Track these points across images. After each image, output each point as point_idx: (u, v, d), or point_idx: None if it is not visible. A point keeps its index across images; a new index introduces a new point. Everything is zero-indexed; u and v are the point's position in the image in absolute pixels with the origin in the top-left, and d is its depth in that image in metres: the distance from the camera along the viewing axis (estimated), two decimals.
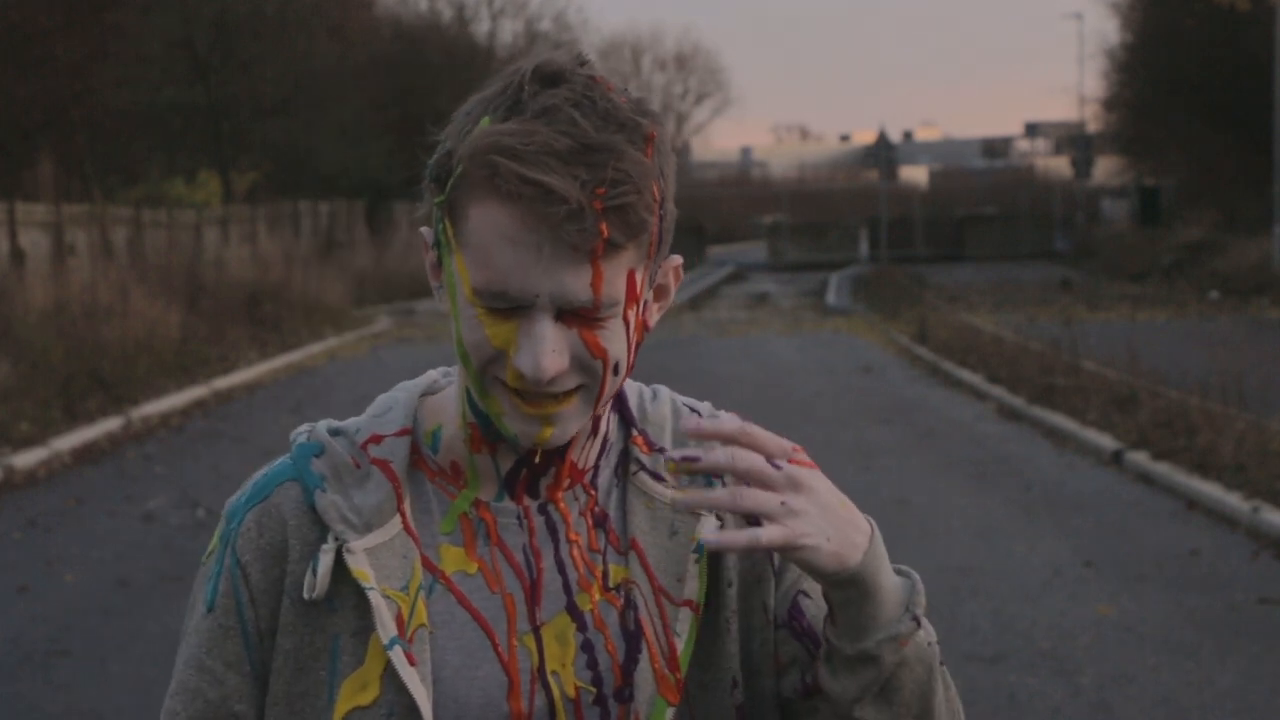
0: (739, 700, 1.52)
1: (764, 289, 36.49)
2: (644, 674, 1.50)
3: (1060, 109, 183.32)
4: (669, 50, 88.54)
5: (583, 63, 1.43)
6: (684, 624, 1.50)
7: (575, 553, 1.51)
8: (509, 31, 54.73)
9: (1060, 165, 62.13)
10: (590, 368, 1.42)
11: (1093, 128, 51.45)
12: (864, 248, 46.95)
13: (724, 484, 1.53)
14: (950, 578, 8.39)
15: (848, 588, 1.41)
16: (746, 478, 1.39)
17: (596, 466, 1.54)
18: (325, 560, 1.46)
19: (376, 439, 1.51)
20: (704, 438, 1.42)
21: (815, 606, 1.53)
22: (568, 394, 1.43)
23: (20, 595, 8.39)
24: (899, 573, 1.47)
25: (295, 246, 31.59)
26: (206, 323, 20.80)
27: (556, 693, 1.49)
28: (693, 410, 1.59)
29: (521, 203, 1.36)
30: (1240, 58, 35.03)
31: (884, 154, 46.90)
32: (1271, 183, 31.20)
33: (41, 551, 9.40)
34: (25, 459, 12.35)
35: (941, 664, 1.49)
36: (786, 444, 1.41)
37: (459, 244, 1.42)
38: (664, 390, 1.61)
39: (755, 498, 1.38)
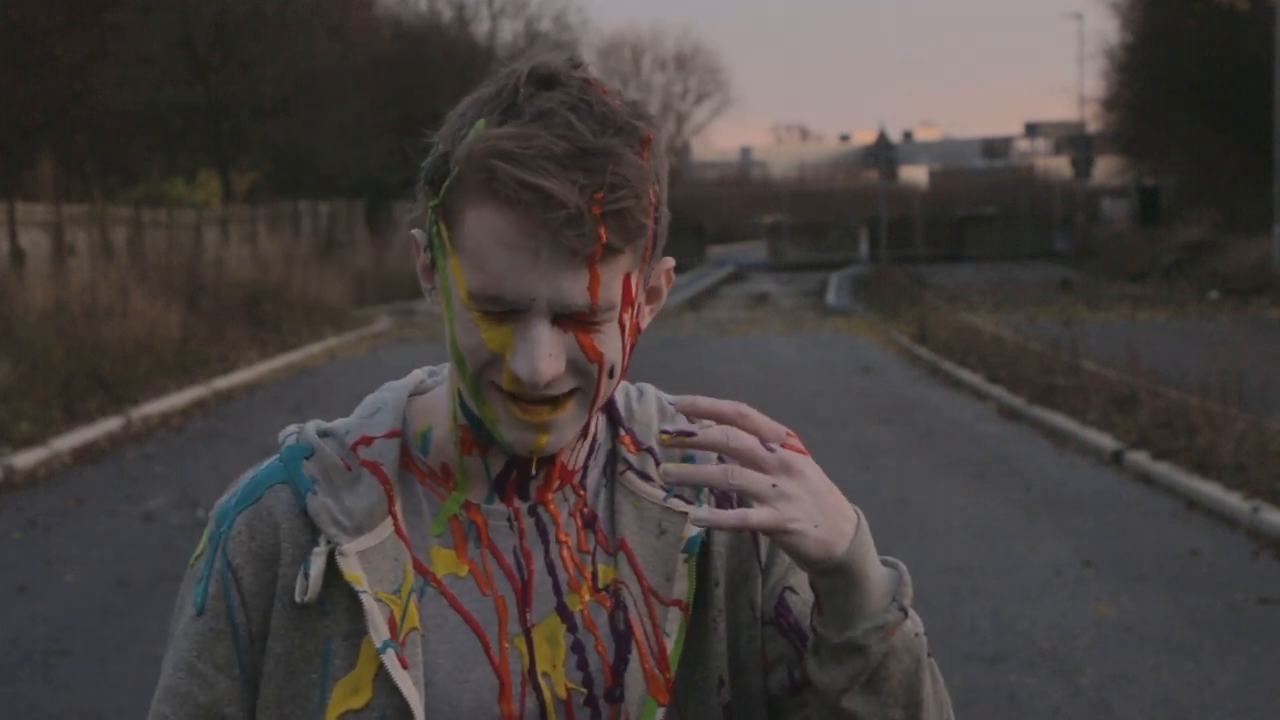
0: (726, 699, 1.53)
1: (764, 289, 36.49)
2: (634, 674, 1.50)
3: (1060, 109, 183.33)
4: (669, 50, 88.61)
5: (576, 65, 1.42)
6: (673, 624, 1.51)
7: (565, 554, 1.51)
8: (509, 31, 54.71)
9: (1060, 165, 62.13)
10: (586, 371, 1.42)
11: (1093, 128, 51.45)
12: (864, 248, 46.96)
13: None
14: (950, 578, 8.39)
15: (834, 576, 1.40)
16: (740, 457, 1.39)
17: (585, 467, 1.54)
18: (317, 563, 1.45)
19: (366, 441, 1.51)
20: (701, 416, 1.42)
21: (802, 603, 1.54)
22: (563, 401, 1.43)
23: (20, 595, 8.39)
24: (886, 564, 1.47)
25: (295, 246, 31.59)
26: (206, 323, 20.80)
27: (548, 694, 1.49)
28: (678, 409, 1.59)
29: (520, 207, 1.36)
30: (1240, 58, 35.03)
31: (884, 154, 46.92)
32: (1271, 183, 31.20)
33: (41, 551, 9.41)
34: (25, 459, 12.35)
35: (929, 655, 1.49)
36: (780, 428, 1.42)
37: (454, 247, 1.41)
38: (650, 389, 1.61)
39: (747, 477, 1.38)
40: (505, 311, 1.39)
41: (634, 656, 1.50)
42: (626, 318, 1.43)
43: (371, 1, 42.58)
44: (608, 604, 1.51)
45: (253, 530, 1.49)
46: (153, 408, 15.31)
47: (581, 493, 1.53)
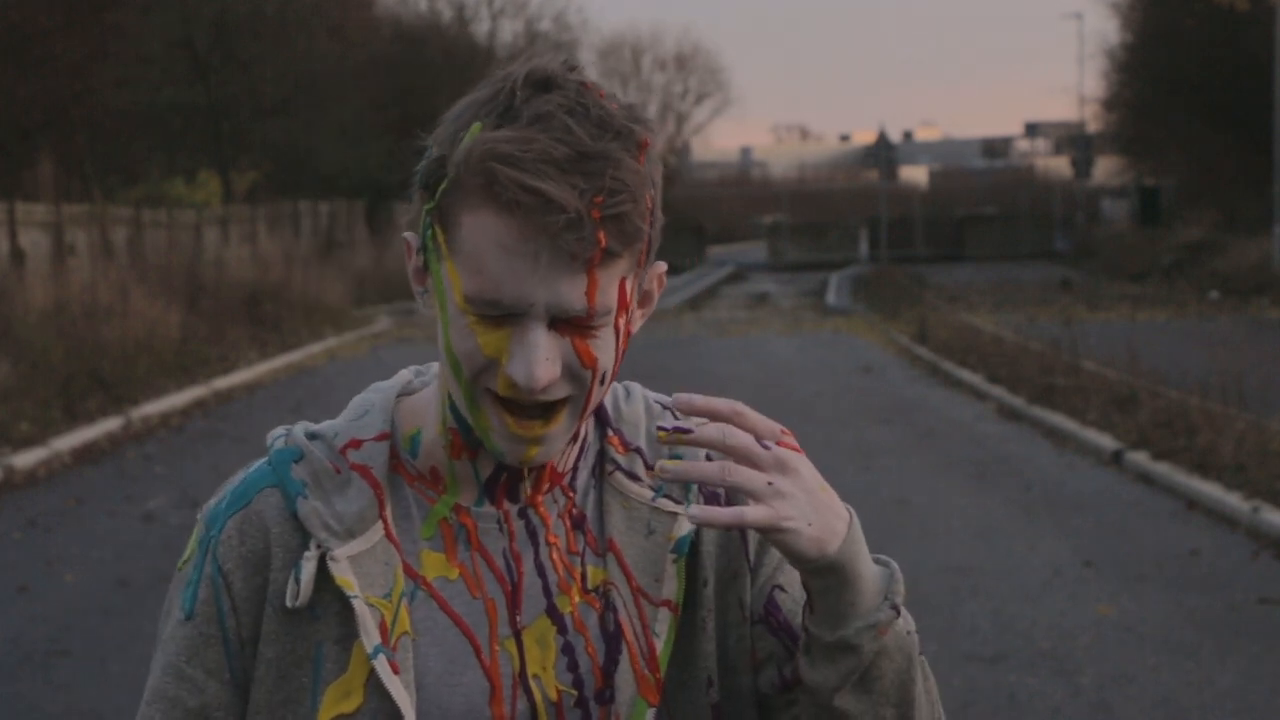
0: (715, 698, 1.53)
1: (764, 289, 36.50)
2: (624, 675, 1.50)
3: (1060, 109, 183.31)
4: (669, 50, 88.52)
5: (572, 68, 1.42)
6: (663, 624, 1.51)
7: (555, 555, 1.51)
8: (509, 31, 54.74)
9: (1060, 165, 62.14)
10: (580, 377, 1.42)
11: (1093, 128, 51.46)
12: (864, 248, 46.97)
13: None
14: (950, 578, 8.40)
15: (826, 575, 1.40)
16: (735, 455, 1.39)
17: (575, 468, 1.54)
18: (308, 568, 1.45)
19: (355, 444, 1.50)
20: (697, 413, 1.42)
21: (791, 601, 1.54)
22: (555, 413, 1.43)
23: (20, 595, 8.39)
24: (878, 562, 1.47)
25: (295, 246, 31.59)
26: (206, 323, 20.80)
27: (538, 696, 1.49)
28: (665, 407, 1.59)
29: (519, 211, 1.35)
30: (1240, 58, 35.03)
31: (884, 154, 46.92)
32: (1271, 183, 31.20)
33: (41, 551, 9.41)
34: (25, 459, 12.35)
35: (920, 654, 1.49)
36: (775, 426, 1.42)
37: (450, 250, 1.41)
38: (637, 388, 1.61)
39: (743, 475, 1.38)
40: (502, 316, 1.39)
41: (624, 657, 1.50)
42: (621, 322, 1.43)
43: (371, 1, 42.57)
44: (597, 605, 1.51)
45: (243, 535, 1.49)
46: (153, 408, 15.31)
47: (571, 494, 1.53)
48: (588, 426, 1.54)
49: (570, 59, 1.43)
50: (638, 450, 1.55)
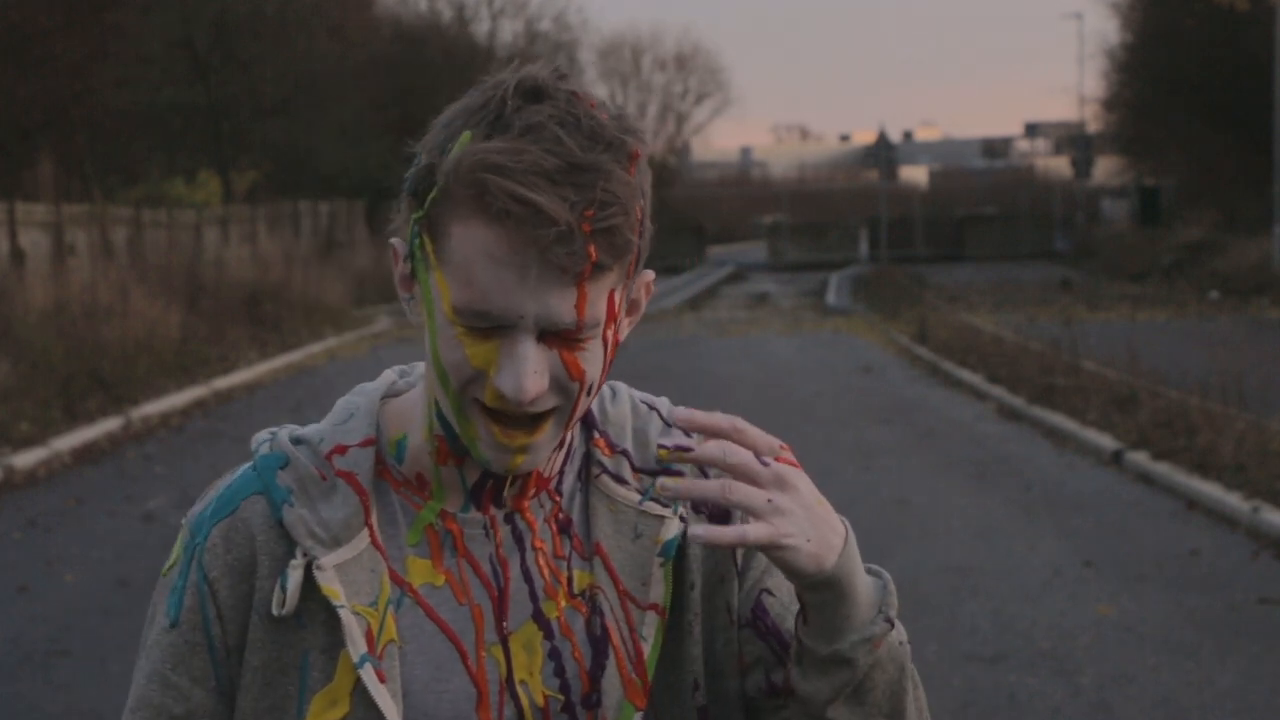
0: (701, 702, 1.53)
1: (764, 289, 36.50)
2: (611, 679, 1.50)
3: (1060, 109, 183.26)
4: (669, 50, 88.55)
5: (562, 76, 1.41)
6: (650, 628, 1.51)
7: (541, 560, 1.51)
8: (509, 31, 54.73)
9: (1060, 165, 62.14)
10: (567, 389, 1.41)
11: (1093, 128, 51.46)
12: (864, 248, 46.98)
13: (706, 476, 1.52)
14: (950, 578, 8.39)
15: (823, 590, 1.41)
16: (735, 472, 1.39)
17: (561, 472, 1.53)
18: (294, 577, 1.45)
19: (341, 450, 1.49)
20: (697, 430, 1.42)
21: (779, 605, 1.54)
22: (541, 423, 1.42)
23: (20, 595, 8.39)
24: (870, 572, 1.47)
25: (295, 246, 31.60)
26: (206, 323, 20.80)
27: (525, 702, 1.49)
28: (651, 408, 1.59)
29: (510, 223, 1.34)
30: (1240, 58, 35.03)
31: (884, 154, 46.92)
32: (1271, 183, 31.20)
33: (41, 551, 9.41)
34: (25, 459, 12.35)
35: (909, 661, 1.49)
36: (775, 441, 1.42)
37: (439, 260, 1.40)
38: (622, 388, 1.60)
39: (743, 492, 1.38)
40: (491, 328, 1.38)
41: (611, 662, 1.50)
42: (609, 334, 1.42)
43: (371, 1, 42.58)
44: (584, 610, 1.51)
45: (229, 543, 1.48)
46: (153, 408, 15.31)
47: (557, 498, 1.53)
48: (574, 430, 1.54)
49: (560, 67, 1.42)
50: (624, 452, 1.55)
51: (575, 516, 1.53)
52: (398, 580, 1.48)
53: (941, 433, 13.65)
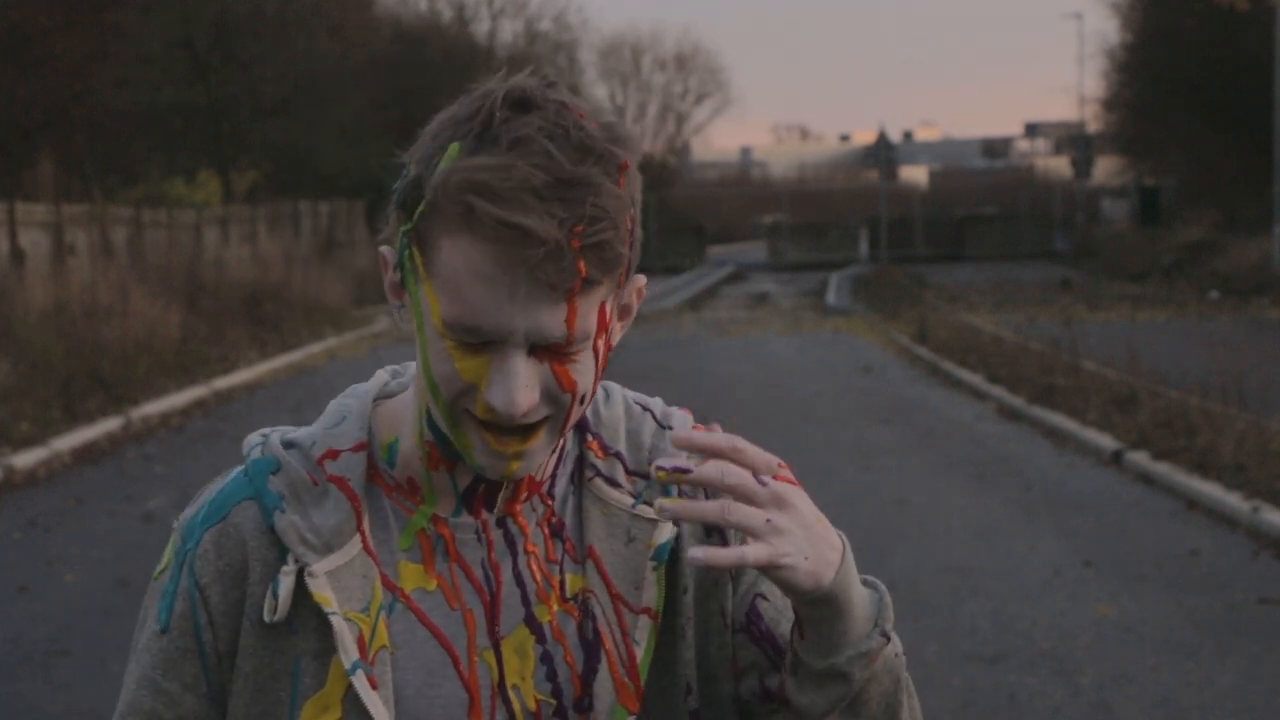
0: (693, 706, 1.52)
1: (764, 289, 36.50)
2: (603, 683, 1.50)
3: (1060, 109, 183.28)
4: (669, 50, 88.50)
5: (550, 85, 1.40)
6: (643, 631, 1.51)
7: (533, 564, 1.51)
8: (509, 31, 54.75)
9: (1060, 165, 62.14)
10: (559, 400, 1.41)
11: (1093, 128, 51.46)
12: (864, 248, 46.98)
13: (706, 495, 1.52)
14: (950, 578, 8.39)
15: (820, 606, 1.41)
16: (734, 493, 1.38)
17: (553, 475, 1.53)
18: (286, 583, 1.44)
19: (333, 454, 1.49)
20: (695, 450, 1.41)
21: (774, 610, 1.54)
22: (535, 432, 1.42)
23: (20, 595, 8.39)
24: (866, 584, 1.47)
25: (295, 246, 31.59)
26: (206, 323, 20.80)
27: (517, 707, 1.48)
28: (644, 409, 1.58)
29: (498, 242, 1.34)
30: (1240, 58, 35.03)
31: (884, 154, 46.93)
32: (1271, 183, 31.20)
33: (41, 551, 9.41)
34: (25, 459, 12.35)
35: (904, 670, 1.49)
36: (772, 459, 1.41)
37: (428, 273, 1.39)
38: (615, 389, 1.60)
39: (742, 513, 1.37)
40: (481, 343, 1.38)
41: (603, 666, 1.50)
42: (600, 343, 1.42)
43: (371, 1, 42.58)
44: (576, 614, 1.51)
45: (220, 549, 1.48)
46: (153, 408, 15.31)
47: (549, 501, 1.53)
48: (567, 433, 1.54)
49: (549, 75, 1.41)
50: (617, 455, 1.54)
51: (568, 520, 1.53)
52: (389, 585, 1.48)
53: (941, 433, 13.65)
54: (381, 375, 1.58)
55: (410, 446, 1.50)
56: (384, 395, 1.55)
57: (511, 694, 1.48)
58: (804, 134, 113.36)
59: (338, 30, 37.22)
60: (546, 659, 1.49)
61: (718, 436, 1.41)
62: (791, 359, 20.05)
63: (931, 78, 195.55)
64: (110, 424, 14.23)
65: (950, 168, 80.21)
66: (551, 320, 1.36)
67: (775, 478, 1.40)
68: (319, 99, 35.98)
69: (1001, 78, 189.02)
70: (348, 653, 1.44)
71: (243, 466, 1.52)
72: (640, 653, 1.50)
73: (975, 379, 16.88)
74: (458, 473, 1.49)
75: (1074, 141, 50.81)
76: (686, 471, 1.39)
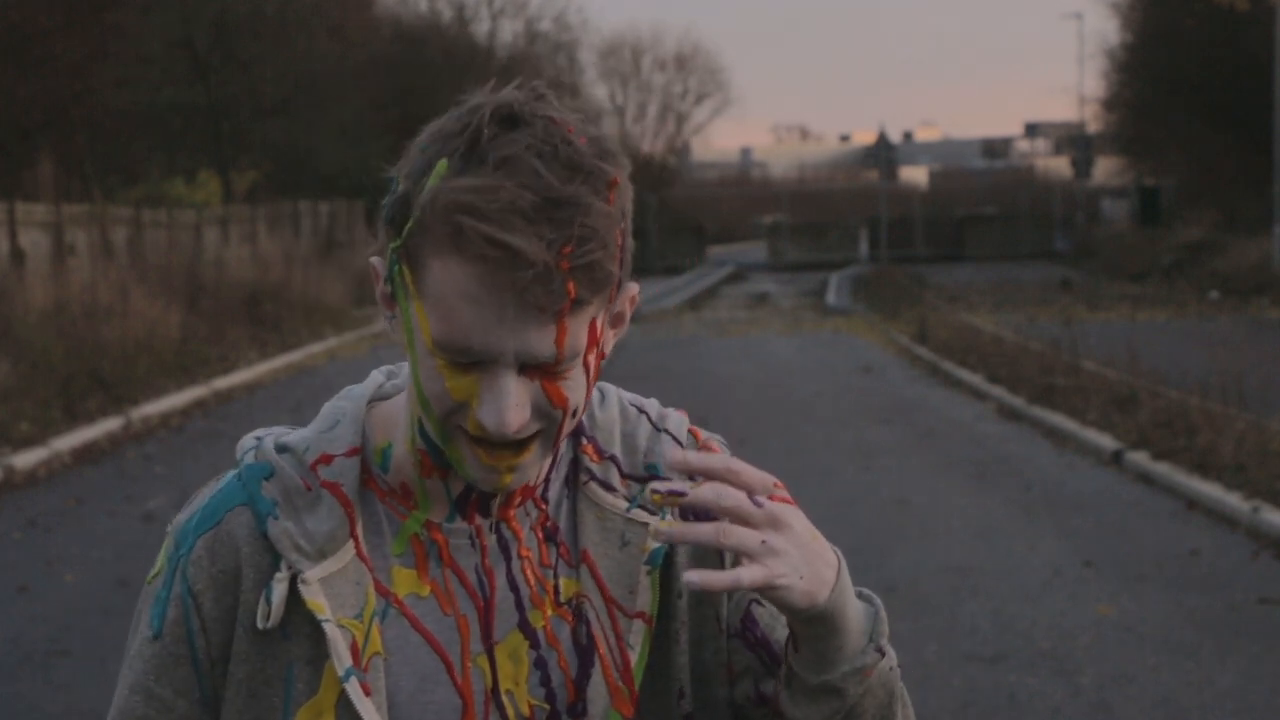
0: (687, 710, 1.52)
1: (764, 289, 36.51)
2: (597, 688, 1.50)
3: (1060, 109, 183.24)
4: (669, 50, 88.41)
5: (539, 98, 1.38)
6: (637, 636, 1.50)
7: (527, 569, 1.50)
8: (509, 31, 54.81)
9: (1060, 165, 62.15)
10: (551, 415, 1.41)
11: (1093, 128, 51.47)
12: (864, 248, 46.99)
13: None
14: (950, 578, 8.39)
15: (816, 624, 1.40)
16: (730, 516, 1.38)
17: (547, 479, 1.52)
18: (279, 590, 1.44)
19: (326, 459, 1.49)
20: (690, 472, 1.41)
21: (769, 615, 1.53)
22: (527, 446, 1.42)
23: (20, 595, 8.39)
24: (861, 596, 1.47)
25: (295, 246, 31.59)
26: (206, 323, 20.80)
27: (511, 712, 1.48)
28: (640, 411, 1.57)
29: (486, 264, 1.33)
30: (1240, 58, 35.03)
31: (884, 154, 46.94)
32: (1271, 183, 31.20)
33: (41, 551, 9.41)
34: (25, 459, 12.35)
35: (898, 675, 1.49)
36: (768, 478, 1.41)
37: (418, 291, 1.38)
38: (611, 390, 1.59)
39: (738, 536, 1.37)
40: (471, 362, 1.38)
41: (597, 670, 1.50)
42: (591, 358, 1.42)
43: (371, 1, 42.58)
44: (570, 619, 1.50)
45: (213, 555, 1.47)
46: (153, 408, 15.31)
47: (543, 506, 1.52)
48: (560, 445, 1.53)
49: (537, 87, 1.40)
50: (612, 459, 1.54)
51: (562, 524, 1.52)
52: (383, 591, 1.47)
53: (941, 433, 13.65)
54: (376, 376, 1.57)
55: (403, 452, 1.50)
56: (379, 397, 1.55)
57: (505, 700, 1.48)
58: (804, 134, 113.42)
59: (338, 30, 37.22)
60: (540, 664, 1.49)
61: (713, 458, 1.41)
62: (791, 359, 20.05)
63: (931, 78, 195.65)
64: (110, 424, 14.23)
65: (950, 168, 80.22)
66: (541, 341, 1.36)
67: (771, 497, 1.40)
68: (319, 99, 35.99)
69: (1001, 78, 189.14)
70: (341, 660, 1.43)
71: (236, 471, 1.51)
72: (634, 657, 1.50)
73: (975, 379, 16.88)
74: (450, 479, 1.49)
75: (1074, 141, 50.83)
76: (682, 495, 1.39)
